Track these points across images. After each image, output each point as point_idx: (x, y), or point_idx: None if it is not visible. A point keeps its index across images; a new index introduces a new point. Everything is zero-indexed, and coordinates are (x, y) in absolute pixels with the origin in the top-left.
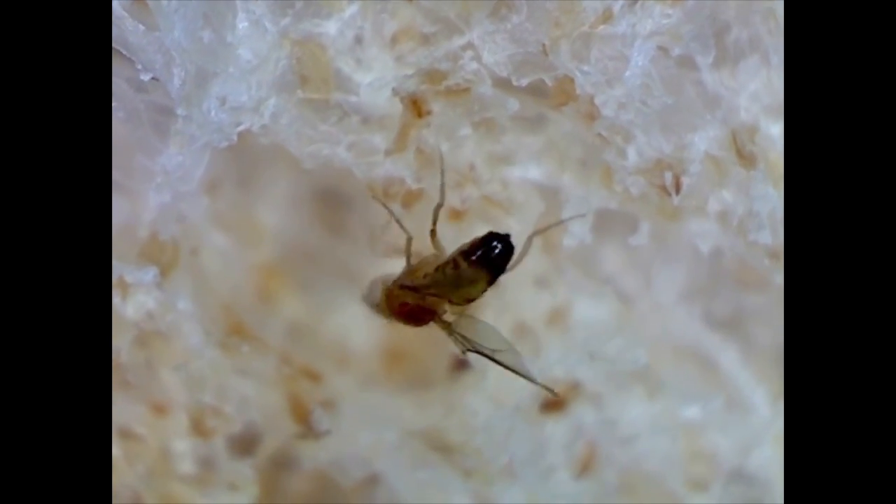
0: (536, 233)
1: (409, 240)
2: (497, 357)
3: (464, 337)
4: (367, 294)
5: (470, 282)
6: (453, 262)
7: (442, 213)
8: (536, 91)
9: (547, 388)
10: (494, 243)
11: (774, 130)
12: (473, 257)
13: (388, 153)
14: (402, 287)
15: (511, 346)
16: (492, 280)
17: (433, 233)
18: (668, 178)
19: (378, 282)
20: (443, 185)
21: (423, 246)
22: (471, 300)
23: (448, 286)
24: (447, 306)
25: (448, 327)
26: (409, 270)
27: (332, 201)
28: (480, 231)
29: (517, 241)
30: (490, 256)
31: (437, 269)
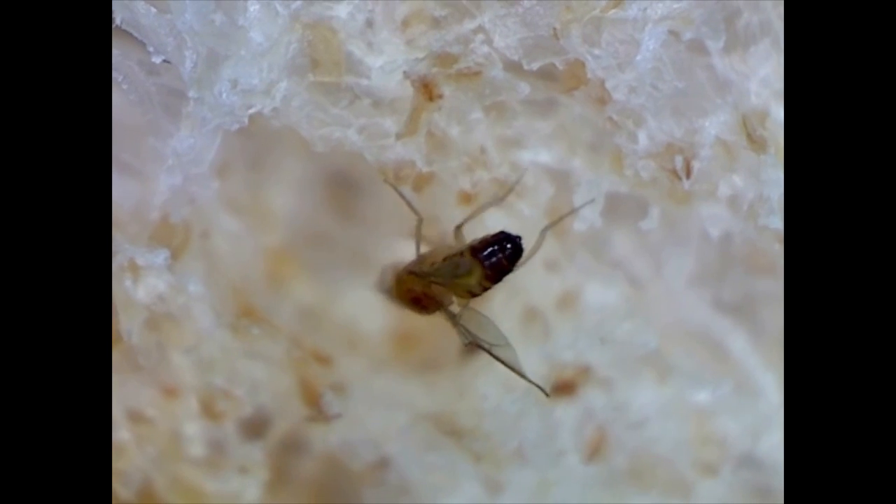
0: (549, 226)
1: (420, 221)
2: (494, 352)
3: (466, 329)
4: (380, 280)
5: (468, 272)
6: (461, 255)
7: (453, 197)
8: (547, 75)
9: (539, 387)
10: (505, 244)
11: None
12: (482, 254)
13: (398, 136)
14: (410, 273)
15: (507, 342)
16: (496, 280)
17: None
18: (679, 162)
19: (390, 268)
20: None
21: (434, 232)
22: (474, 294)
23: (448, 275)
24: (453, 297)
25: (453, 318)
26: (420, 258)
27: (342, 185)
28: (490, 217)
29: (526, 225)
30: (497, 257)
31: (444, 259)
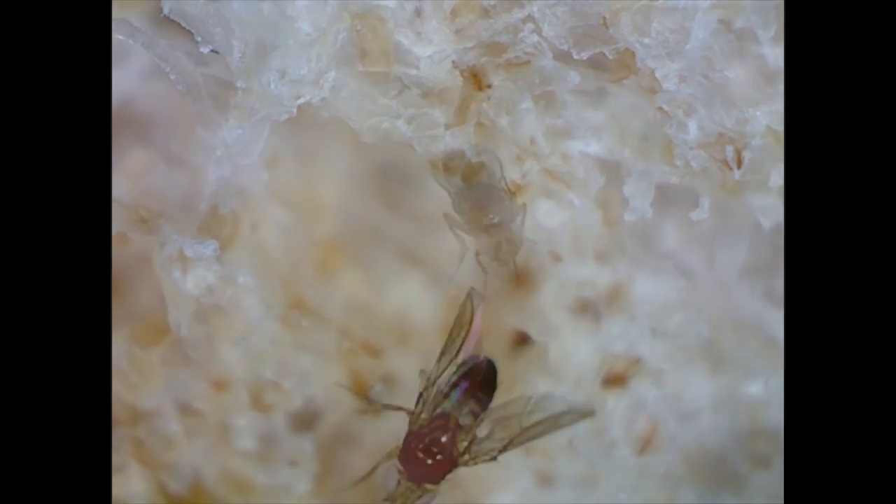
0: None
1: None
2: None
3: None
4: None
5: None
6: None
7: None
8: (597, 64)
9: None
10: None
11: None
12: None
13: (448, 127)
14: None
15: None
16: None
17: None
18: (730, 152)
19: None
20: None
21: None
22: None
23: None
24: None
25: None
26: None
27: (391, 176)
28: (540, 208)
29: (577, 216)
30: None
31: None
